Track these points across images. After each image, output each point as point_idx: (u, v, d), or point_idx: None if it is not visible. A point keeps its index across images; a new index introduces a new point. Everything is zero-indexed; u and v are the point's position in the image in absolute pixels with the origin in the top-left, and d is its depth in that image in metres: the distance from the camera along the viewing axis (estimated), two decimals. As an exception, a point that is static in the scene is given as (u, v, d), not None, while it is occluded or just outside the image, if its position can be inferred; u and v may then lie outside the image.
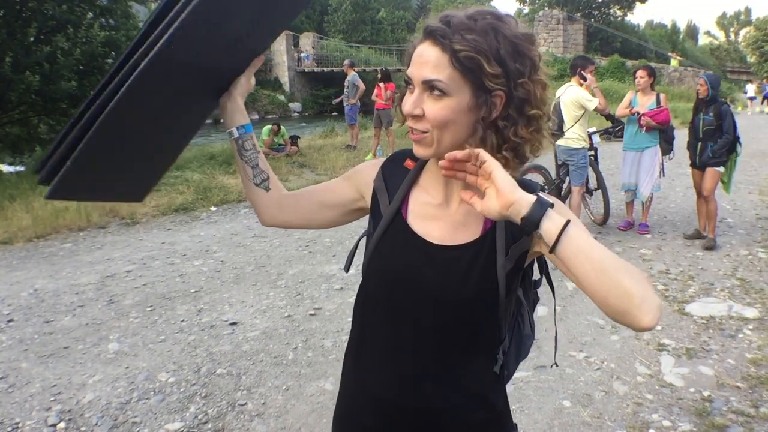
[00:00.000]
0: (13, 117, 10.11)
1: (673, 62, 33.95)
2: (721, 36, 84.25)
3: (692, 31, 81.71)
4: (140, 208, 6.41)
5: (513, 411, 2.69)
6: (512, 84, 0.88)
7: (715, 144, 5.10)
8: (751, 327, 3.65)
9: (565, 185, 5.75)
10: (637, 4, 46.33)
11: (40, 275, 4.59)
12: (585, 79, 5.23)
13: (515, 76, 0.88)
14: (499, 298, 0.97)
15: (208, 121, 1.75)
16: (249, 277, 4.56)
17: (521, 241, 0.97)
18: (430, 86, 0.89)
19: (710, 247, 5.15)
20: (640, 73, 5.57)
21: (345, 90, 10.71)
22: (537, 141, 0.94)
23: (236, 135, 1.13)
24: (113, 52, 9.61)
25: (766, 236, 5.66)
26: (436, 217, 1.01)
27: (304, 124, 21.85)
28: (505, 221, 0.92)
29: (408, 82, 0.93)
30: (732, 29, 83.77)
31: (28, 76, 8.15)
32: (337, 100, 11.89)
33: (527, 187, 1.00)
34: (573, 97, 5.19)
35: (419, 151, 0.95)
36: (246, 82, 1.12)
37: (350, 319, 1.17)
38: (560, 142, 5.40)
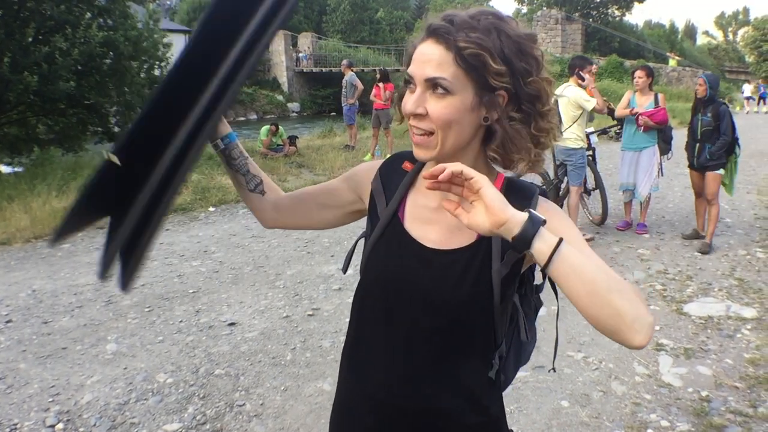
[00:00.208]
0: (12, 117, 10.08)
1: (672, 62, 34.06)
2: (719, 36, 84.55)
3: (690, 31, 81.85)
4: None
5: (511, 411, 2.71)
6: (519, 82, 0.89)
7: (713, 146, 5.07)
8: (749, 327, 3.66)
9: (563, 185, 5.75)
10: (636, 3, 46.48)
11: (38, 276, 4.59)
12: (583, 80, 5.23)
13: (523, 74, 0.89)
14: (493, 303, 0.97)
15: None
16: (247, 278, 4.55)
17: None
18: (433, 84, 0.88)
19: (705, 252, 5.11)
20: (638, 73, 5.57)
21: (343, 90, 10.72)
22: (554, 133, 0.95)
23: (222, 146, 1.11)
24: (111, 53, 9.58)
25: (764, 236, 5.67)
26: (432, 221, 1.01)
27: (297, 126, 21.70)
28: None
29: (409, 81, 0.92)
30: (730, 29, 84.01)
31: (27, 76, 8.12)
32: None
33: (525, 188, 1.00)
34: (571, 97, 5.19)
35: (420, 153, 0.94)
36: None
37: (348, 320, 1.17)
38: (558, 142, 5.40)
